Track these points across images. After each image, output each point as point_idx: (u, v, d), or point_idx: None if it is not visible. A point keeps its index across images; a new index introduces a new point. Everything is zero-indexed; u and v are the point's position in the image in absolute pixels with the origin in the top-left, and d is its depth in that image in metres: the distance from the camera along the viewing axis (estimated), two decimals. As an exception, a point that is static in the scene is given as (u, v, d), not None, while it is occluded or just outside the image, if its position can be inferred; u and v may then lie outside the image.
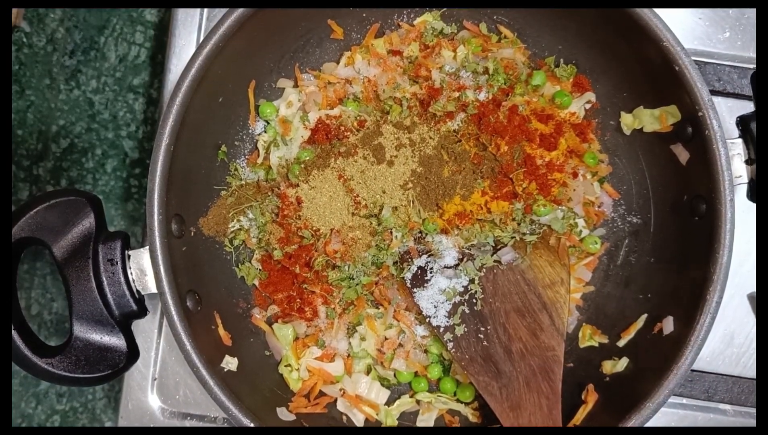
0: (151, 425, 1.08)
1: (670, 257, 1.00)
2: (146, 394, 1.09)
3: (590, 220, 1.06)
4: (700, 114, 0.89)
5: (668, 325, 0.94)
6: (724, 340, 1.10)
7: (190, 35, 1.11)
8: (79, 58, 1.20)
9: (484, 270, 0.98)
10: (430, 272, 0.98)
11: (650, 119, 0.99)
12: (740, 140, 0.91)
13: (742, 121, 0.91)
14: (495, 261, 0.98)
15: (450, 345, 0.96)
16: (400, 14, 1.07)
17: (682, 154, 0.95)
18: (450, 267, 0.99)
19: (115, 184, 1.19)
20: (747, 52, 1.11)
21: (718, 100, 1.06)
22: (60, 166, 1.19)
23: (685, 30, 1.12)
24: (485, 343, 0.95)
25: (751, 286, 1.09)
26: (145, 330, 1.09)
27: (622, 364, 0.98)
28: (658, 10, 0.90)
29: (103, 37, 1.20)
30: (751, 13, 1.12)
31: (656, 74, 0.93)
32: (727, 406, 1.09)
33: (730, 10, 1.12)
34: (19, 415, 1.17)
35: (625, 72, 1.01)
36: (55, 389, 1.18)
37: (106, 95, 1.20)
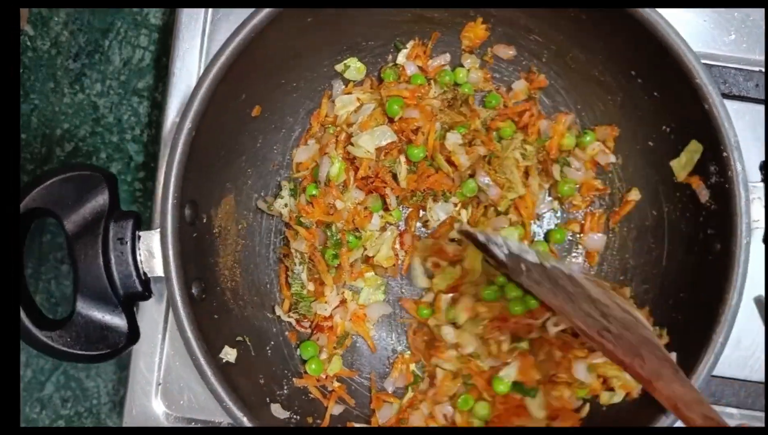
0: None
1: (679, 293, 0.99)
2: (150, 399, 1.08)
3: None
4: (724, 154, 0.89)
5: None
6: (730, 343, 1.08)
7: (194, 39, 1.10)
8: (84, 62, 1.20)
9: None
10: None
11: (679, 169, 0.98)
12: (762, 184, 0.91)
13: (766, 166, 0.91)
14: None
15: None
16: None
17: (703, 193, 0.95)
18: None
19: (119, 187, 1.18)
20: (753, 55, 1.11)
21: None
22: (64, 170, 1.19)
23: (690, 32, 1.11)
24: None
25: (758, 289, 1.09)
26: (150, 334, 1.08)
27: (619, 395, 0.98)
28: (664, 13, 0.90)
29: (107, 41, 1.20)
30: (756, 15, 1.11)
31: (683, 111, 0.94)
32: (734, 410, 1.09)
33: (735, 12, 1.12)
34: (24, 420, 1.17)
35: (650, 107, 1.01)
36: (60, 394, 1.18)
37: (111, 99, 1.20)
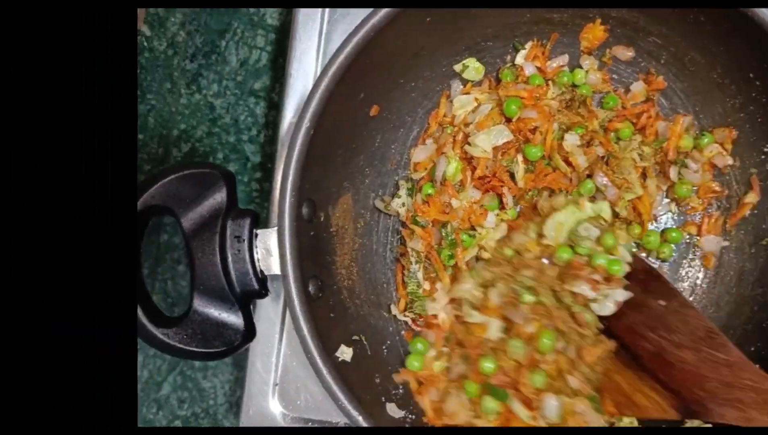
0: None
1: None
2: (267, 399, 1.08)
3: None
4: None
5: None
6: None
7: (311, 39, 1.10)
8: (200, 62, 1.20)
9: None
10: None
11: None
12: None
13: None
14: None
15: None
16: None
17: None
18: None
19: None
20: None
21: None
22: (180, 171, 1.19)
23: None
24: None
25: None
26: (267, 334, 1.08)
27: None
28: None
29: (224, 41, 1.21)
30: None
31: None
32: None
33: None
34: (141, 420, 1.18)
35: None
36: (177, 395, 1.19)
37: (227, 99, 1.20)
